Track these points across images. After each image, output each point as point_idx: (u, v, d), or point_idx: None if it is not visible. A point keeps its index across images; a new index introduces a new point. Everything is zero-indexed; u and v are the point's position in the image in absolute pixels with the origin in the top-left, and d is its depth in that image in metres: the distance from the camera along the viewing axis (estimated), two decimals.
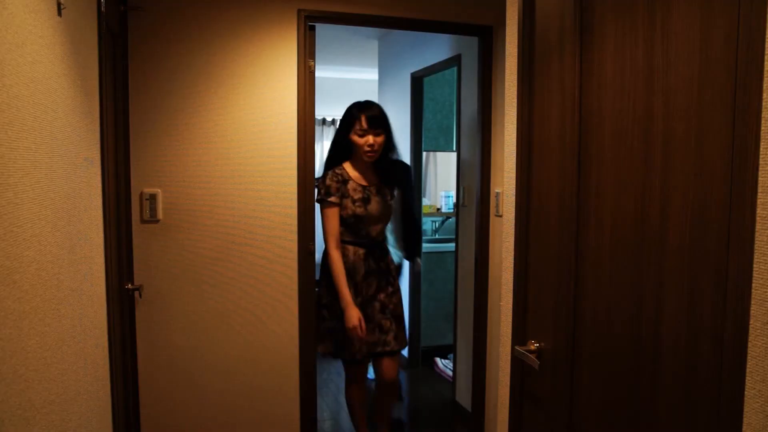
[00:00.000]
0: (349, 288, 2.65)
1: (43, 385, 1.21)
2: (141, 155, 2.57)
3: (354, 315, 2.62)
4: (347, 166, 2.73)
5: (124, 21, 2.43)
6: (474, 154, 3.25)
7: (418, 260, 4.18)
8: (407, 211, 3.66)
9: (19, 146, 1.09)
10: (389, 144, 2.74)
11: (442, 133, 4.79)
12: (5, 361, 1.00)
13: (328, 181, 2.66)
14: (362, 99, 2.78)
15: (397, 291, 2.84)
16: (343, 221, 2.68)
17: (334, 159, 2.76)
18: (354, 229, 2.71)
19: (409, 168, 3.92)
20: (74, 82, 1.53)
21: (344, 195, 2.67)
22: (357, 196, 2.68)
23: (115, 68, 2.29)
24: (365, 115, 2.63)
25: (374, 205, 2.71)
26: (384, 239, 2.87)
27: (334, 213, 2.65)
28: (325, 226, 2.67)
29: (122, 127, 2.41)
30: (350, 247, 2.72)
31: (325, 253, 2.69)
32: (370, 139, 2.63)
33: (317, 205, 2.76)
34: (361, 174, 2.74)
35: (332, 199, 2.64)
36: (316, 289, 2.83)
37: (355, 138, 2.65)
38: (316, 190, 2.76)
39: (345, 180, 2.69)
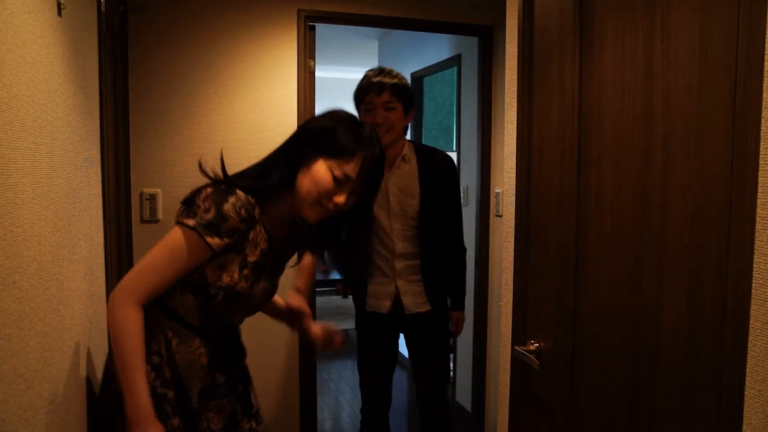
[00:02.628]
0: (172, 418, 1.35)
1: (43, 385, 1.21)
2: (141, 155, 2.57)
3: None
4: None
5: (124, 21, 2.43)
6: (474, 154, 3.25)
7: (462, 315, 2.48)
8: (454, 233, 2.37)
9: (19, 146, 1.09)
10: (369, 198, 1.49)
11: (442, 133, 4.79)
12: (5, 361, 1.00)
13: (228, 209, 1.30)
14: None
15: (257, 415, 1.56)
16: (202, 293, 1.37)
17: (266, 183, 1.37)
18: (210, 313, 1.40)
19: (454, 164, 2.42)
20: (74, 82, 1.53)
21: (239, 248, 1.35)
22: (254, 257, 1.38)
23: (115, 68, 2.29)
24: (367, 150, 1.36)
25: (263, 284, 1.44)
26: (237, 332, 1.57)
27: (194, 253, 1.32)
28: (153, 261, 1.35)
29: (122, 127, 2.41)
30: (187, 336, 1.40)
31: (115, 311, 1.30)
32: (344, 196, 1.36)
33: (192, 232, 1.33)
34: (274, 222, 1.44)
35: (213, 240, 1.30)
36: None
37: (325, 169, 1.33)
38: (186, 210, 1.38)
39: (253, 221, 1.36)
